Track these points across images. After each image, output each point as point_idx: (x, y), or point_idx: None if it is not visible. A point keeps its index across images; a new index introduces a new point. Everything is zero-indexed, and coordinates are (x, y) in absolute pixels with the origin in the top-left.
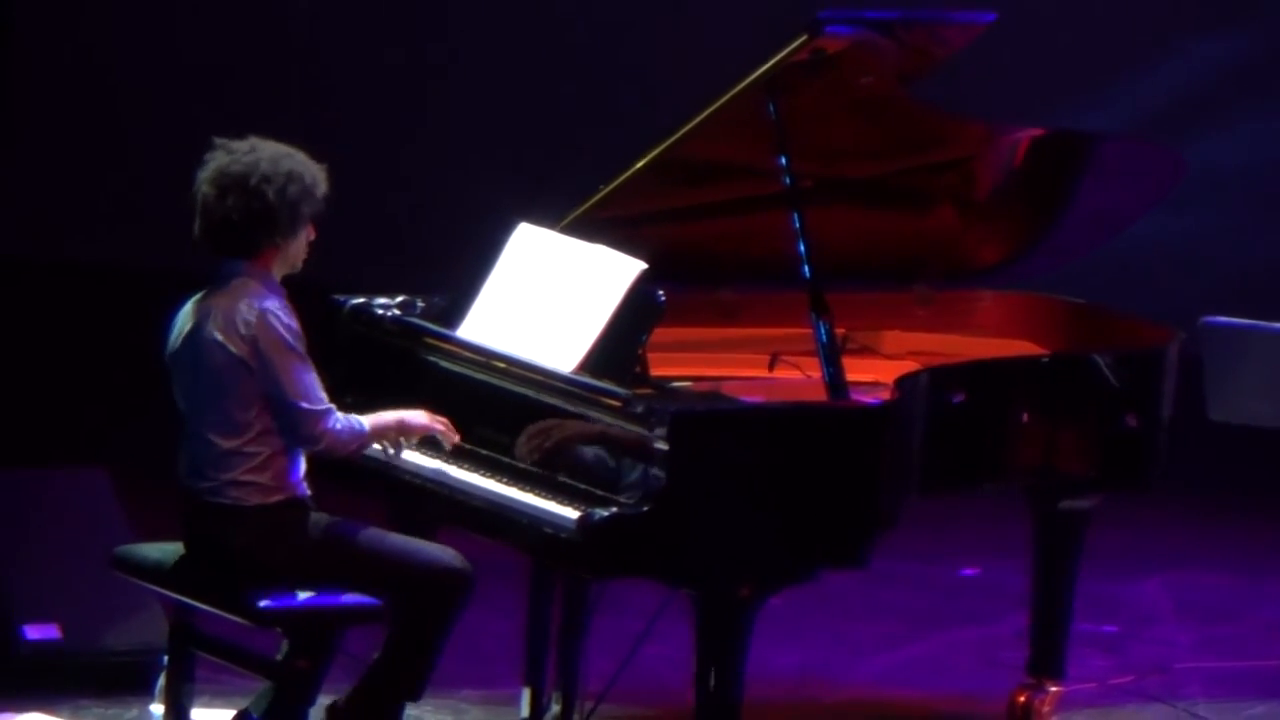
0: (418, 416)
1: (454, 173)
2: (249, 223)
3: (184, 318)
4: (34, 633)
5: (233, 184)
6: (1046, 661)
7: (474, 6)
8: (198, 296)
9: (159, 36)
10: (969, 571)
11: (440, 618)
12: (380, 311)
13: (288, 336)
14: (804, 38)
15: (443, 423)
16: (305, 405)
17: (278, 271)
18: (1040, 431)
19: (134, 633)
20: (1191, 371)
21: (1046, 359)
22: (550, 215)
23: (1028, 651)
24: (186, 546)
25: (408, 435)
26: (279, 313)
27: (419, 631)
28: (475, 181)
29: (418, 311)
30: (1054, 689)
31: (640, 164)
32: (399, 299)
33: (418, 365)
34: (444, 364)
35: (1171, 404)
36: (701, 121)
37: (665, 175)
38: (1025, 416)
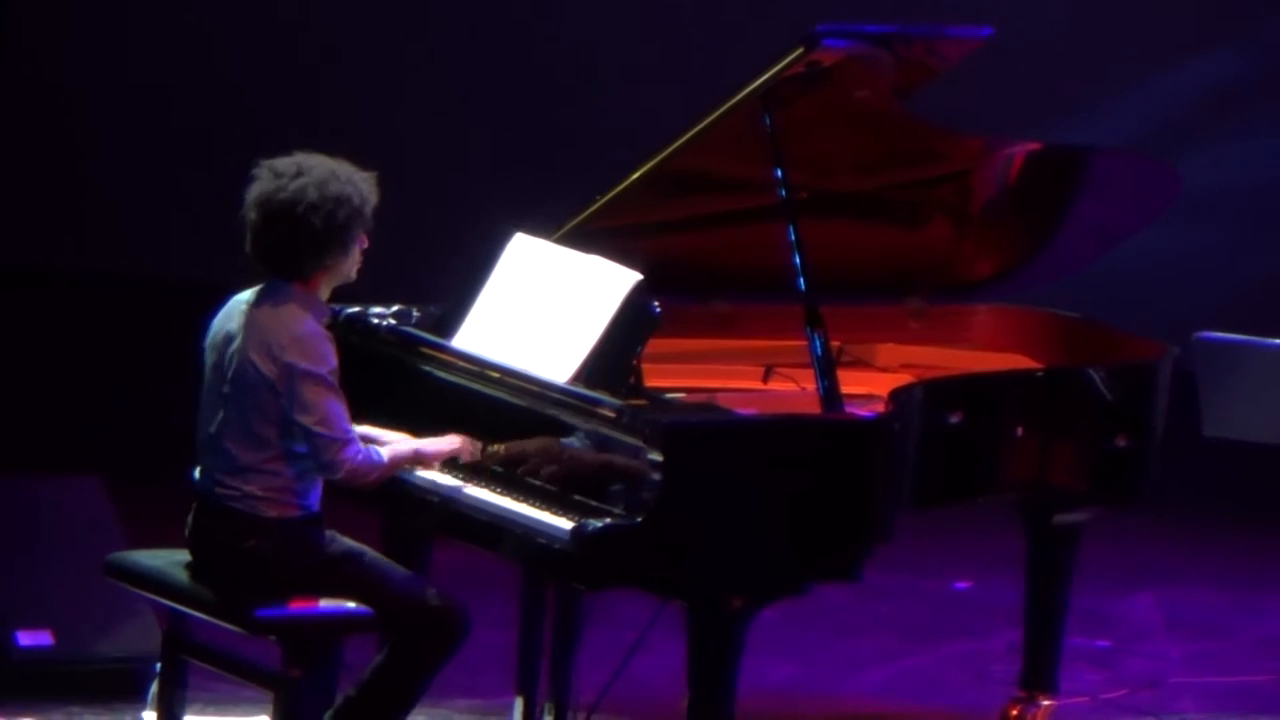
0: (434, 445)
1: (449, 182)
2: (297, 251)
3: (226, 316)
4: (27, 639)
5: (280, 212)
6: (1039, 676)
7: (471, 15)
8: (244, 298)
9: (154, 41)
10: (961, 585)
11: (431, 660)
12: (375, 321)
13: (319, 366)
14: (800, 51)
15: (461, 441)
16: (325, 433)
17: (326, 287)
18: (1034, 445)
19: (127, 640)
20: (1185, 387)
21: (1040, 373)
22: (546, 225)
23: (1020, 665)
24: (191, 548)
25: (425, 464)
26: (315, 341)
27: (408, 669)
28: (471, 191)
29: (413, 321)
30: (1046, 703)
31: (636, 175)
32: (394, 308)
33: (412, 375)
34: (439, 374)
35: (1164, 419)
36: (697, 133)
37: (661, 187)
38: (1019, 430)
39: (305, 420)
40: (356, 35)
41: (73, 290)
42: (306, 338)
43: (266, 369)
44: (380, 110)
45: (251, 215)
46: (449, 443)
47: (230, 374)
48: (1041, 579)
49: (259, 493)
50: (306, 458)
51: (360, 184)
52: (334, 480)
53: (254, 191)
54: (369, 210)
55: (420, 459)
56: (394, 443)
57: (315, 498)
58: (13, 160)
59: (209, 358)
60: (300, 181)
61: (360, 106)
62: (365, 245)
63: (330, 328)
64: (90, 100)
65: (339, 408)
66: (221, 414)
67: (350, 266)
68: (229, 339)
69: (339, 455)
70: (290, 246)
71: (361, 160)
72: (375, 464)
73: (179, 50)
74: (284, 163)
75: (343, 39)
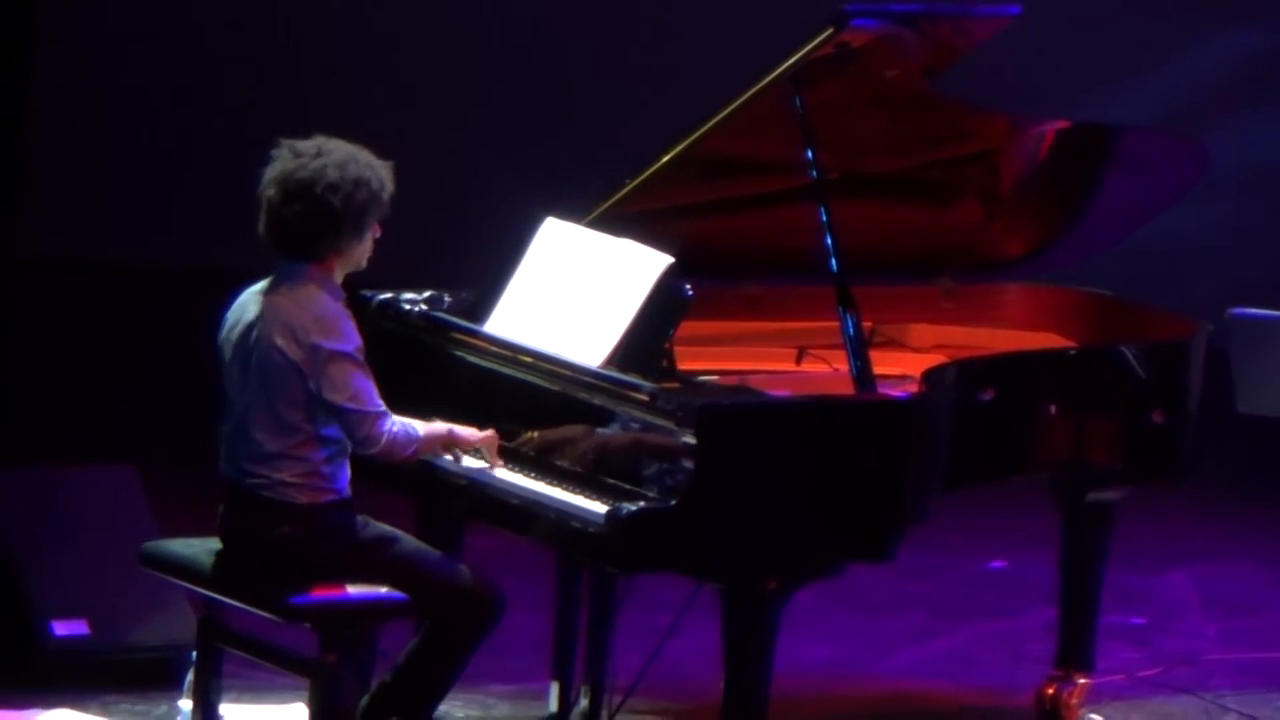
0: (467, 429)
1: (480, 167)
2: (314, 229)
3: (241, 308)
4: (63, 629)
5: (298, 190)
6: (1074, 654)
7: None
8: (258, 289)
9: (179, 33)
10: (996, 564)
11: (467, 640)
12: (407, 306)
13: (345, 344)
14: (829, 31)
15: (485, 436)
16: (357, 409)
17: (340, 272)
18: (1067, 424)
19: (162, 629)
20: (1219, 364)
21: (1073, 351)
22: (577, 209)
23: (1055, 644)
24: (223, 537)
25: (456, 447)
26: (338, 319)
27: (443, 650)
28: (502, 175)
29: (445, 306)
30: (1082, 681)
31: (667, 158)
32: (426, 294)
33: (445, 360)
34: (471, 359)
35: (1198, 396)
36: (727, 115)
37: (691, 169)
38: (1052, 409)
39: (336, 398)
40: (383, 17)
41: (106, 280)
42: (328, 316)
43: (292, 352)
44: (407, 95)
45: (269, 193)
46: (480, 436)
47: (253, 362)
48: (1076, 557)
49: (289, 479)
50: (336, 441)
51: (379, 169)
52: (370, 455)
53: (273, 170)
54: (386, 196)
55: (453, 440)
56: (429, 424)
57: (345, 482)
58: (39, 149)
59: (226, 352)
60: (320, 161)
61: (386, 91)
62: (378, 234)
63: (356, 314)
64: (138, 98)
65: (368, 383)
66: (246, 404)
67: (363, 253)
68: (248, 329)
69: (373, 429)
70: (307, 225)
71: (390, 145)
72: (412, 438)
73: (212, 41)
74: (305, 144)
75: (368, 22)
